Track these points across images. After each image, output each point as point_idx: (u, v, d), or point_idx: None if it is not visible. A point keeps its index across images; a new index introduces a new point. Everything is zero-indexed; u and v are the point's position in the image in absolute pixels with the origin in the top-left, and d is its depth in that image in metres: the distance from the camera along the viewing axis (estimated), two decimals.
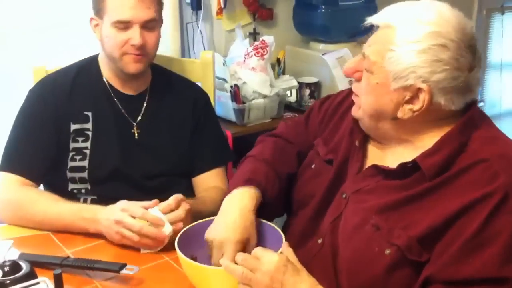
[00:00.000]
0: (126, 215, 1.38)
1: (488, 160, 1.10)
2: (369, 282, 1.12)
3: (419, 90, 1.11)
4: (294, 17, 2.78)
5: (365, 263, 1.13)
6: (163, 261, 1.36)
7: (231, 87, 2.32)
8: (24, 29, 2.31)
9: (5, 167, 1.62)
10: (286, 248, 1.17)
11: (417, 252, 1.09)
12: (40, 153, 1.63)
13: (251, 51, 2.37)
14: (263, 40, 2.40)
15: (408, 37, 1.10)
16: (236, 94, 2.30)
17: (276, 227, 1.28)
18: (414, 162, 1.14)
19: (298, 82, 2.56)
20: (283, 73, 2.73)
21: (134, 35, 1.59)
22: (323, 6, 2.61)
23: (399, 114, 1.15)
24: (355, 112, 1.24)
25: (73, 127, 1.65)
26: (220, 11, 2.61)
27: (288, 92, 2.56)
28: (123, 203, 1.42)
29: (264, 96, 2.36)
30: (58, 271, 1.14)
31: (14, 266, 1.19)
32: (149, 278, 1.28)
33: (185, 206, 1.43)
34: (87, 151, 1.65)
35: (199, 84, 1.99)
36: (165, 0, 1.75)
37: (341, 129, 1.34)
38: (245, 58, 2.38)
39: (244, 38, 2.57)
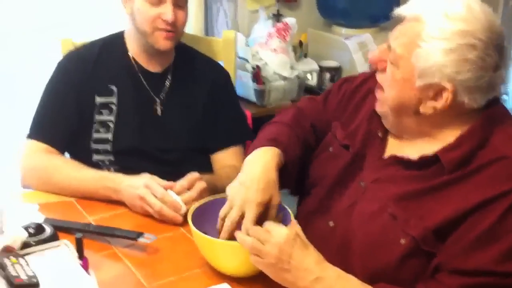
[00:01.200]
0: (148, 193, 1.44)
1: (509, 157, 1.10)
2: (382, 267, 1.15)
3: (443, 88, 1.11)
4: (318, 0, 2.80)
5: (379, 250, 1.16)
6: (179, 233, 1.41)
7: (253, 67, 2.36)
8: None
9: (32, 134, 1.69)
10: (294, 225, 1.19)
11: (432, 243, 1.11)
12: (64, 123, 1.69)
13: (273, 33, 2.40)
14: (285, 22, 2.43)
15: (437, 33, 1.09)
16: (257, 75, 2.35)
17: (285, 206, 1.31)
18: (435, 155, 1.15)
19: (319, 66, 2.60)
20: (305, 56, 2.76)
21: (167, 11, 1.63)
22: None
23: (421, 110, 1.15)
24: (380, 107, 1.25)
25: (98, 100, 1.71)
26: None
27: (308, 75, 2.59)
28: (146, 179, 1.47)
29: (284, 78, 2.40)
30: (79, 235, 1.20)
31: (38, 229, 1.26)
32: (164, 247, 1.34)
33: (200, 185, 1.48)
34: (112, 124, 1.71)
35: (221, 62, 2.03)
36: None
37: (360, 114, 1.34)
38: (267, 39, 2.42)
39: (267, 19, 2.60)
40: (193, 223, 1.25)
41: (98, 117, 1.71)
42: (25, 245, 1.20)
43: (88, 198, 1.54)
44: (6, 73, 2.26)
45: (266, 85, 2.36)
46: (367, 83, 1.37)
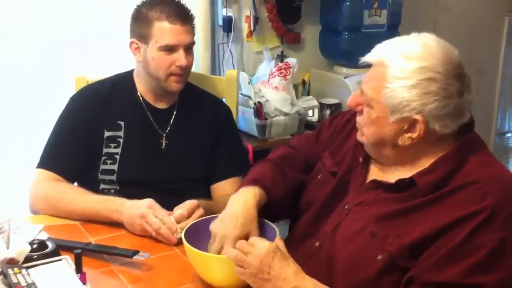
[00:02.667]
0: (150, 212, 1.56)
1: (479, 182, 1.19)
2: (362, 283, 1.23)
3: (415, 120, 1.22)
4: (320, 42, 2.94)
5: (359, 267, 1.24)
6: (173, 252, 1.51)
7: (255, 103, 2.48)
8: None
9: (42, 164, 1.80)
10: (278, 240, 1.30)
11: (407, 259, 1.19)
12: (74, 155, 1.81)
13: (275, 71, 2.53)
14: (286, 61, 2.56)
15: (399, 74, 1.20)
16: (258, 110, 2.46)
17: (272, 224, 1.42)
18: (411, 179, 1.25)
19: (320, 103, 2.71)
20: (308, 94, 2.88)
21: (180, 57, 1.78)
22: (347, 32, 2.75)
23: (400, 142, 1.26)
24: (360, 137, 1.36)
25: (107, 134, 1.83)
26: (250, 34, 2.79)
27: (310, 112, 2.70)
28: (150, 201, 1.59)
29: (285, 114, 2.50)
30: (78, 251, 1.31)
31: (42, 245, 1.37)
32: (158, 265, 1.44)
33: (198, 213, 1.60)
34: (117, 156, 1.83)
35: (223, 99, 2.16)
36: (198, 22, 1.95)
37: (347, 144, 1.46)
38: (269, 77, 2.54)
39: (272, 59, 2.73)
40: (186, 240, 1.35)
41: (105, 150, 1.83)
42: (28, 259, 1.30)
43: (91, 220, 1.64)
44: (6, 73, 2.33)
45: (267, 120, 2.47)
46: (355, 117, 1.46)
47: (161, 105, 1.90)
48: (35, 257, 1.32)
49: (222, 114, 1.98)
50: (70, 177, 1.80)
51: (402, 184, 1.27)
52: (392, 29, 2.79)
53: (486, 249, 1.13)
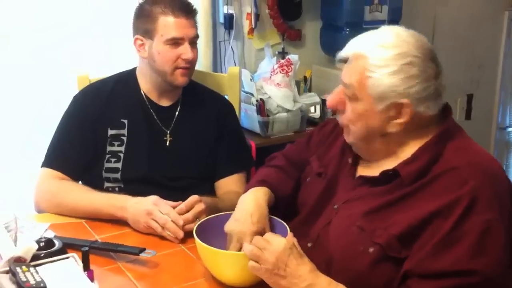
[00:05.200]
0: (156, 209, 1.56)
1: (458, 168, 1.23)
2: (356, 277, 1.26)
3: (402, 105, 1.26)
4: (321, 38, 2.94)
5: (352, 261, 1.27)
6: (179, 249, 1.52)
7: (257, 100, 2.48)
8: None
9: (46, 163, 1.81)
10: (291, 237, 1.31)
11: (397, 249, 1.21)
12: (78, 153, 1.82)
13: (276, 68, 2.53)
14: (288, 58, 2.56)
15: (379, 62, 1.25)
16: (261, 107, 2.47)
17: (282, 221, 1.43)
18: (394, 169, 1.29)
19: (321, 99, 2.71)
20: (309, 90, 2.88)
21: (186, 50, 1.80)
22: (348, 28, 2.76)
23: (390, 129, 1.29)
24: (347, 139, 1.39)
25: (110, 132, 1.84)
26: (251, 31, 2.79)
27: (312, 108, 2.70)
28: (155, 198, 1.60)
29: (287, 111, 2.51)
30: (85, 248, 1.32)
31: (48, 243, 1.38)
32: (164, 262, 1.44)
33: (197, 208, 1.60)
34: (122, 155, 1.83)
35: (226, 96, 2.16)
36: (199, 20, 1.95)
37: (333, 148, 1.50)
38: (271, 74, 2.55)
39: (273, 56, 2.74)
40: (197, 237, 1.35)
41: (109, 148, 1.83)
42: (36, 257, 1.31)
43: (95, 217, 1.65)
44: (6, 73, 2.33)
45: (270, 117, 2.48)
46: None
47: (165, 103, 1.90)
48: (42, 255, 1.32)
49: (225, 110, 1.99)
50: (74, 176, 1.81)
51: (386, 176, 1.30)
52: (393, 25, 2.78)
53: (475, 233, 1.16)
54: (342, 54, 1.34)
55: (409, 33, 1.29)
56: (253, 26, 2.78)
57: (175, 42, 1.79)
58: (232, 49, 2.77)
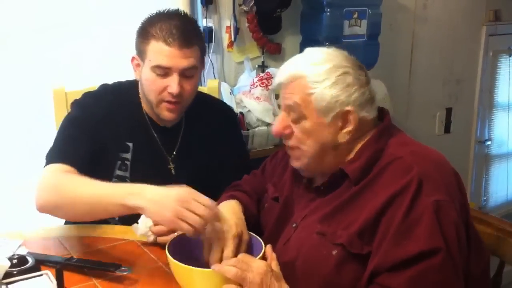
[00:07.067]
0: (192, 198, 1.34)
1: (402, 157, 1.31)
2: (322, 281, 1.29)
3: (347, 112, 1.34)
4: (301, 52, 2.94)
5: (317, 266, 1.31)
6: (157, 266, 1.48)
7: (236, 114, 2.47)
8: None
9: (49, 161, 1.64)
10: (270, 252, 1.34)
11: (358, 245, 1.26)
12: (84, 148, 1.67)
13: (256, 82, 2.53)
14: (268, 71, 2.56)
15: (317, 78, 1.33)
16: (240, 121, 2.45)
17: (257, 236, 1.43)
18: (340, 169, 1.36)
19: None
20: None
21: (172, 83, 1.64)
22: (327, 43, 2.74)
23: (340, 140, 1.36)
24: (296, 163, 1.43)
25: (117, 155, 1.73)
26: (230, 44, 2.78)
27: None
28: (190, 189, 1.38)
29: (267, 124, 2.50)
30: (59, 266, 1.28)
31: (21, 260, 1.34)
32: (142, 279, 1.41)
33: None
34: (128, 180, 1.73)
35: None
36: None
37: (286, 172, 1.56)
38: (250, 88, 2.54)
39: (253, 70, 2.73)
40: (170, 253, 1.32)
41: (117, 172, 1.74)
42: (9, 274, 1.27)
43: (99, 211, 1.48)
44: (6, 73, 2.29)
45: (250, 131, 2.47)
46: None
47: (167, 124, 1.79)
48: (15, 272, 1.29)
49: (230, 124, 1.95)
50: (81, 168, 1.59)
51: (335, 180, 1.37)
52: (372, 39, 2.81)
53: (429, 212, 1.22)
54: (276, 81, 1.40)
55: (332, 49, 1.40)
56: (232, 40, 2.76)
57: (163, 71, 1.65)
58: (211, 62, 2.76)
